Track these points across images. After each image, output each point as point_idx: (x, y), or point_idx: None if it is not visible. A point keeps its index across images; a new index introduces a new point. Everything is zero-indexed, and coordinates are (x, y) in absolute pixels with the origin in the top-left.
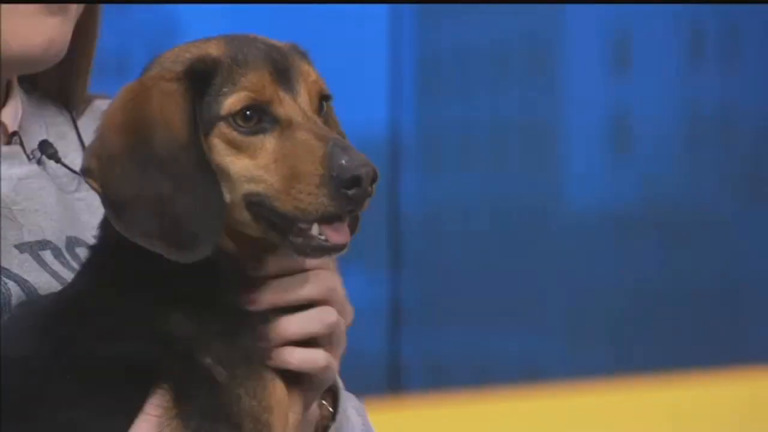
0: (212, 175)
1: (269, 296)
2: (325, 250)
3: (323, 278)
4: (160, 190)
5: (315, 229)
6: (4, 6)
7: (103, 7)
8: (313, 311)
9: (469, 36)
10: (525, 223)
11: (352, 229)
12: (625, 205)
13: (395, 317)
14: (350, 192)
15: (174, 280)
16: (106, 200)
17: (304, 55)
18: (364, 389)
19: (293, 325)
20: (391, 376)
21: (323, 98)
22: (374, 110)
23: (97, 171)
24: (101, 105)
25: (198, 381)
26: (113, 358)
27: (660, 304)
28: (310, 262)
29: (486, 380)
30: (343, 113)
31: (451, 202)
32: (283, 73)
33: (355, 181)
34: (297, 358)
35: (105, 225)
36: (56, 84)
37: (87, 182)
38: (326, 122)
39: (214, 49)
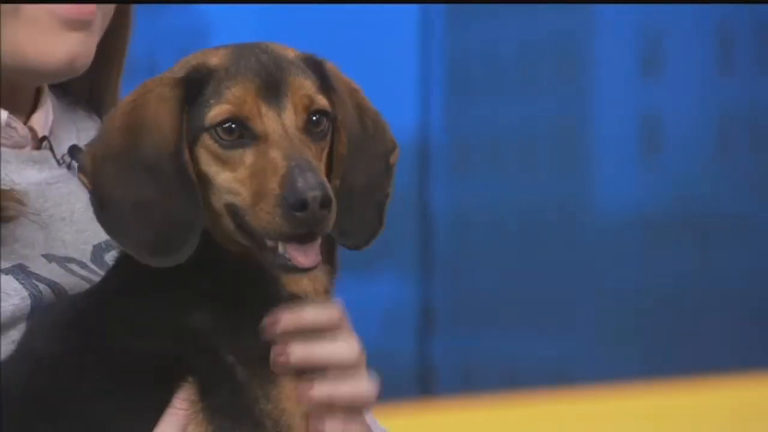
0: (190, 184)
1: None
2: (289, 268)
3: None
4: (143, 194)
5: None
6: (25, 20)
7: (134, 13)
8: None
9: (498, 37)
10: (555, 225)
11: (330, 253)
12: (655, 207)
13: (426, 320)
14: (298, 214)
15: (199, 277)
16: (94, 198)
17: (313, 67)
18: (395, 392)
19: (317, 390)
20: (422, 379)
21: (317, 113)
22: (404, 113)
23: (90, 168)
24: None
25: (222, 377)
26: (140, 354)
27: (691, 307)
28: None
29: (516, 383)
30: None
31: (481, 205)
32: (271, 86)
33: (302, 205)
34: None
35: None
36: (87, 89)
37: (80, 179)
38: (323, 137)
39: (214, 59)
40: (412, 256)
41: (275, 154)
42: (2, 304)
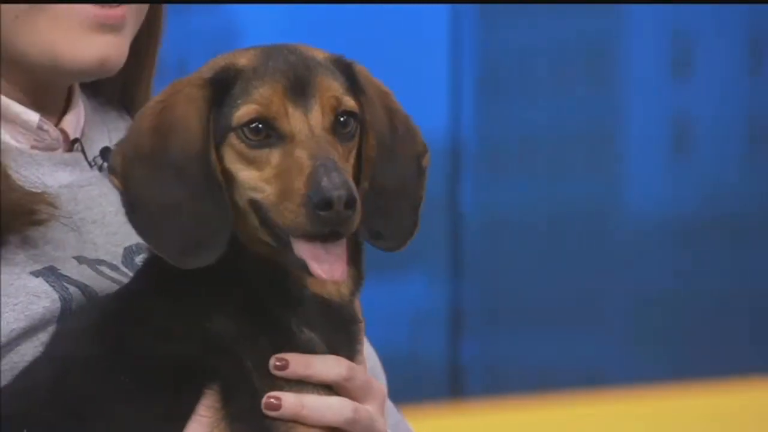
0: (218, 185)
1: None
2: (308, 269)
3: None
4: (171, 195)
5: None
6: (53, 18)
7: (166, 13)
8: (334, 401)
9: (528, 38)
10: (585, 227)
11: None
12: (686, 208)
13: (456, 322)
14: (323, 213)
15: (224, 280)
16: (125, 198)
17: (342, 68)
18: (424, 394)
19: (315, 413)
20: (452, 381)
21: (345, 114)
22: (434, 114)
23: (120, 169)
24: None
25: (242, 383)
26: (166, 359)
27: (722, 309)
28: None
29: (546, 385)
30: None
31: (511, 207)
32: (298, 87)
33: (327, 204)
34: None
35: None
36: (119, 90)
37: (110, 179)
38: (351, 139)
39: (243, 59)
40: (442, 257)
41: (301, 154)
42: (32, 307)
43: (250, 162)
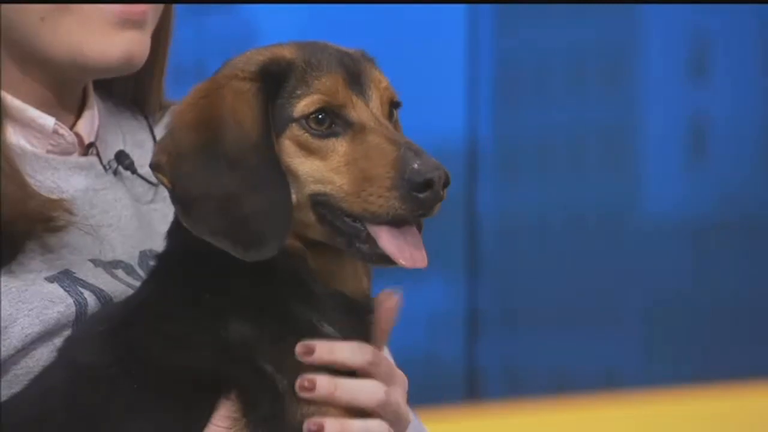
0: (282, 175)
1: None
2: (389, 260)
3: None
4: (229, 188)
5: (388, 242)
6: (78, 17)
7: (175, 13)
8: (363, 383)
9: (546, 40)
10: (602, 229)
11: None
12: (703, 211)
13: (473, 324)
14: (422, 195)
15: (239, 287)
16: (175, 196)
17: (373, 62)
18: (441, 396)
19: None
20: (469, 384)
21: (393, 105)
22: (452, 116)
23: (167, 167)
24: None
25: (262, 389)
26: (180, 367)
27: (740, 311)
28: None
29: (564, 387)
30: (419, 119)
31: (528, 209)
32: (355, 78)
33: (428, 184)
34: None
35: (172, 234)
36: (131, 90)
37: (156, 177)
38: (396, 129)
39: (287, 52)
40: (460, 259)
41: (378, 140)
42: (47, 312)
43: (313, 152)
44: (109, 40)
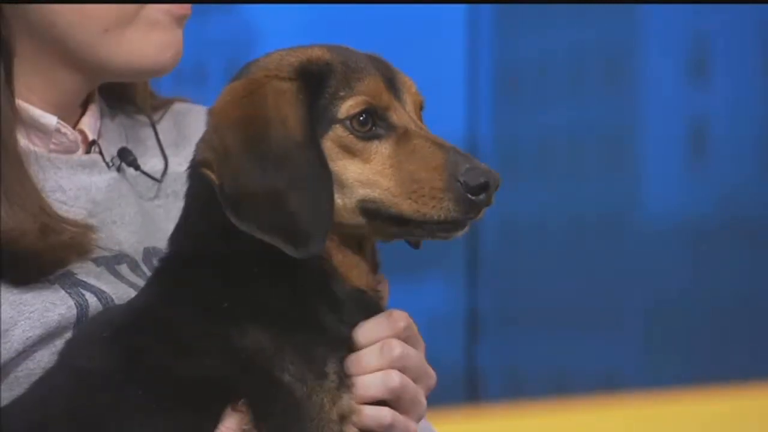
0: (327, 173)
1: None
2: (456, 224)
3: (392, 348)
4: (276, 186)
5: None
6: (145, 22)
7: None
8: (377, 376)
9: (546, 41)
10: (603, 231)
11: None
12: (703, 213)
13: (472, 326)
14: (476, 198)
15: (251, 292)
16: (223, 193)
17: None
18: (441, 398)
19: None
20: (469, 385)
21: (421, 109)
22: (451, 117)
23: (215, 163)
24: (180, 108)
25: (276, 399)
26: (188, 375)
27: (741, 312)
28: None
29: (564, 389)
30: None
31: (528, 210)
32: (391, 81)
33: (483, 187)
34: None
35: (177, 236)
36: (118, 87)
37: (203, 173)
38: None
39: (321, 53)
40: (459, 261)
41: (423, 143)
42: (48, 314)
43: (356, 154)
44: (169, 38)
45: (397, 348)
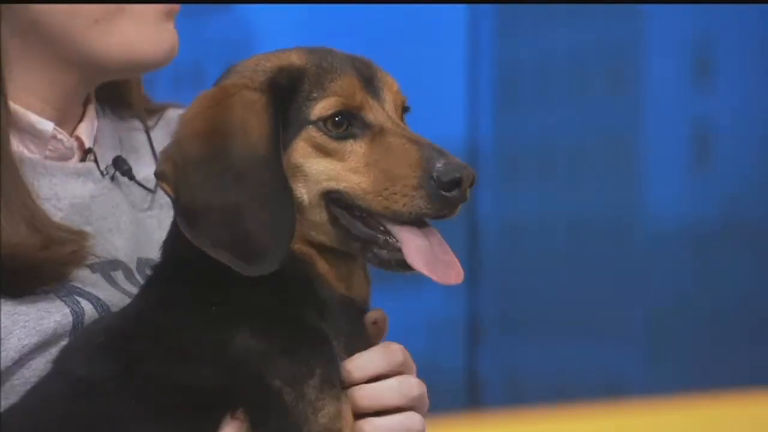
0: (288, 190)
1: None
2: (408, 266)
3: (411, 387)
4: (235, 200)
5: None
6: (132, 16)
7: None
8: (392, 381)
9: (547, 42)
10: (605, 237)
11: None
12: (707, 216)
13: (473, 332)
14: (449, 194)
15: (241, 298)
16: (179, 206)
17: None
18: (442, 405)
19: (366, 399)
20: (470, 392)
21: (405, 109)
22: (452, 121)
23: (172, 176)
24: (174, 114)
25: (269, 404)
26: (183, 382)
27: (743, 317)
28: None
29: (566, 396)
30: (418, 121)
31: (529, 216)
32: (369, 81)
33: (456, 183)
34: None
35: (169, 244)
36: (113, 90)
37: (160, 186)
38: None
39: (296, 59)
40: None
41: (399, 141)
42: (43, 322)
43: (330, 154)
44: (159, 34)
45: (416, 389)
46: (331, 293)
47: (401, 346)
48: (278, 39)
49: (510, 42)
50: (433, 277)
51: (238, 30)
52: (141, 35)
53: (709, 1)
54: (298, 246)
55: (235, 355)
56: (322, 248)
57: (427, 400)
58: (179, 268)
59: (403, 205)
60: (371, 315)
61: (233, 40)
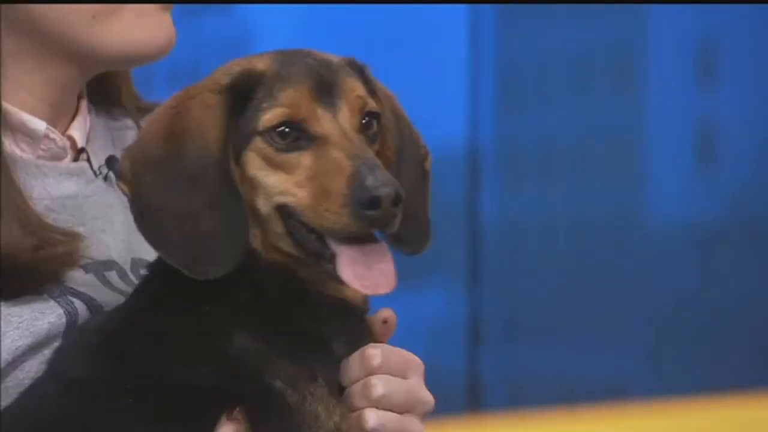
0: (237, 195)
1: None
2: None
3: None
4: (187, 203)
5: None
6: (134, 9)
7: None
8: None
9: (549, 41)
10: (607, 237)
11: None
12: (710, 218)
13: (474, 334)
14: (371, 213)
15: (234, 298)
16: (134, 205)
17: (357, 71)
18: (443, 408)
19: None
20: (471, 395)
21: (369, 115)
22: (453, 120)
23: (130, 175)
24: None
25: (269, 405)
26: (180, 381)
27: (748, 319)
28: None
29: (568, 399)
30: (419, 122)
31: (531, 215)
32: (325, 89)
33: (374, 202)
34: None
35: None
36: (103, 85)
37: (118, 185)
38: (375, 140)
39: (261, 64)
40: (461, 267)
41: (338, 155)
42: (37, 323)
43: (278, 166)
44: (157, 24)
45: (380, 388)
46: (320, 295)
47: (378, 350)
48: (277, 39)
49: (511, 42)
50: (362, 289)
51: (237, 30)
52: (138, 27)
53: (712, 0)
54: (272, 255)
55: (233, 355)
56: (295, 256)
57: (401, 395)
58: (173, 268)
59: (333, 222)
60: (381, 314)
61: (232, 40)
